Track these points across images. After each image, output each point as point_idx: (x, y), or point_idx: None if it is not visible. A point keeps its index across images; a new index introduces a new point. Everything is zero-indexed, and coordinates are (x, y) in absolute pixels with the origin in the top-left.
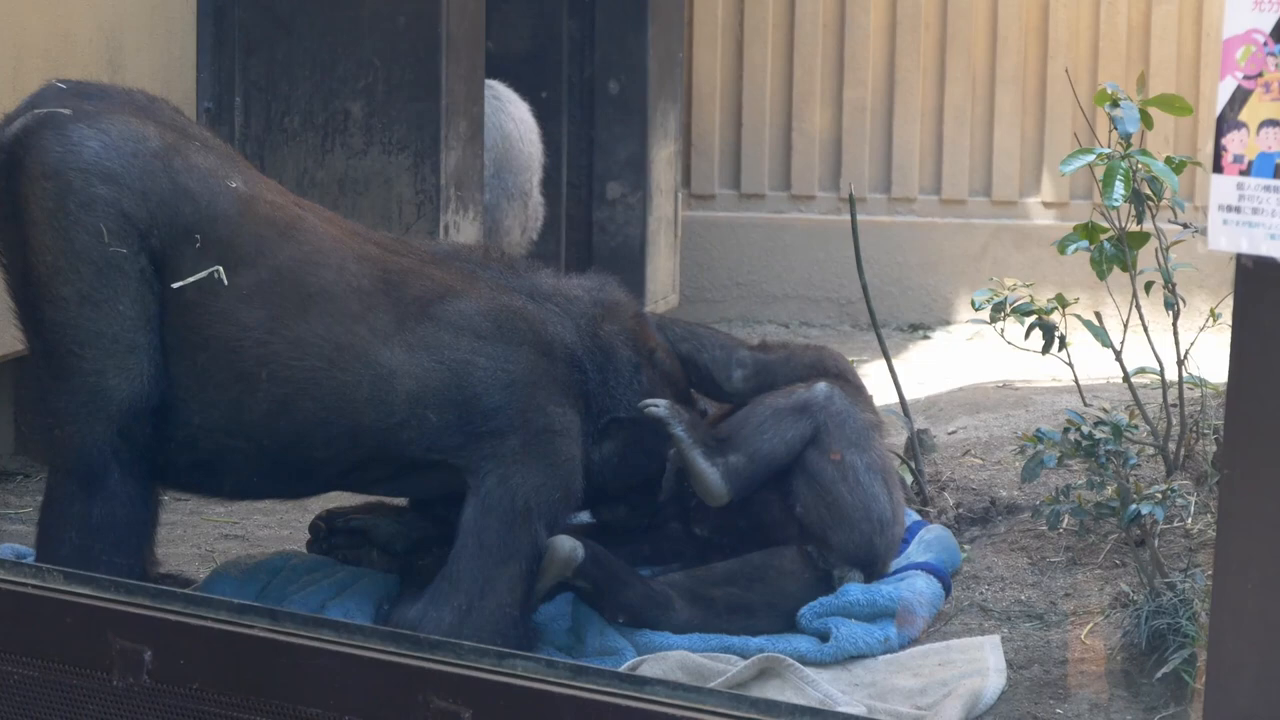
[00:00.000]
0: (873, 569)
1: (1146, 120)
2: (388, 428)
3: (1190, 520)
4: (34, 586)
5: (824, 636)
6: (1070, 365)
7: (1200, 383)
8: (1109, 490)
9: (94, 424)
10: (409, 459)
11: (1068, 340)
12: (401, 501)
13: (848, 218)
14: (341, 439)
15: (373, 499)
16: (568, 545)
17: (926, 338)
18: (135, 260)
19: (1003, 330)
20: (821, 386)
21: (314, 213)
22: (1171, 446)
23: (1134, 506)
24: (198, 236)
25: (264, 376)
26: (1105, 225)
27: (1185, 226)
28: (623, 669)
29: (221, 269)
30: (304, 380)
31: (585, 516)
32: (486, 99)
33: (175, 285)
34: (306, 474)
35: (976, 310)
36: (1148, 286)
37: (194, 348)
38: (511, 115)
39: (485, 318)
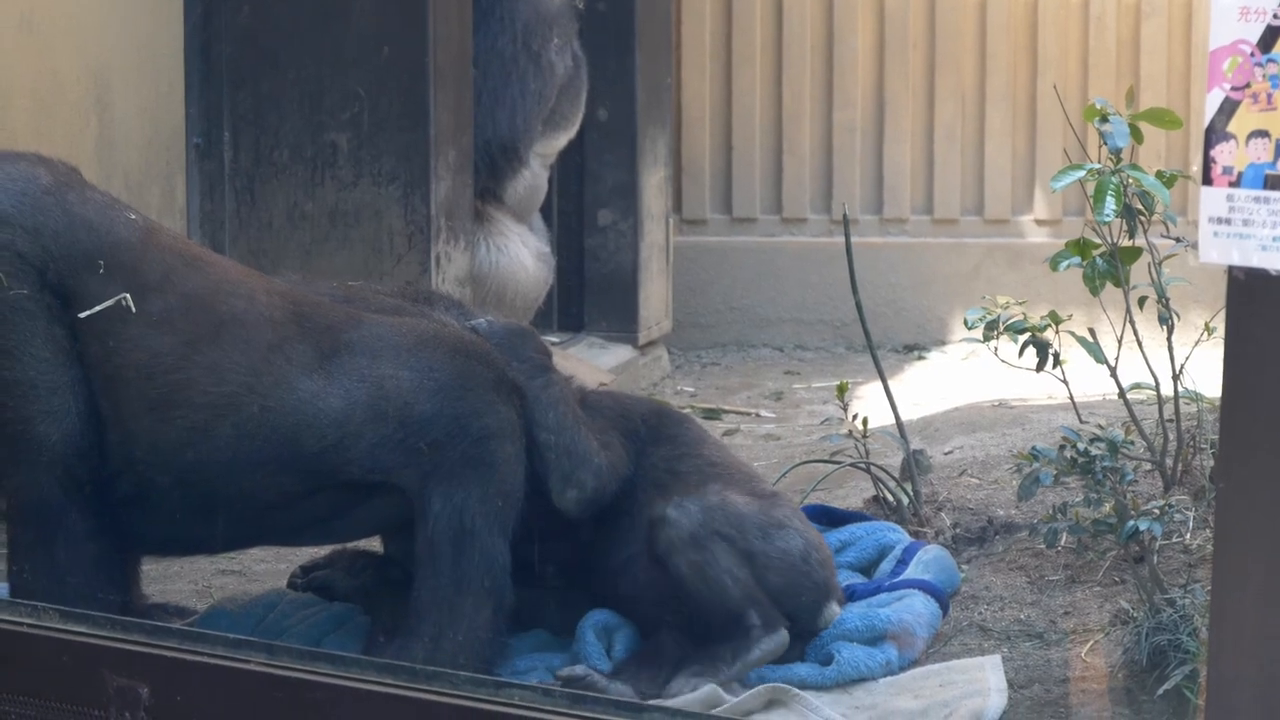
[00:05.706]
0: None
1: (1136, 135)
2: (318, 451)
3: (1189, 535)
4: (30, 625)
5: (825, 661)
6: (1065, 382)
7: (1196, 397)
8: (1106, 507)
9: (35, 472)
10: (348, 484)
11: (1062, 357)
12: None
13: (840, 240)
14: (267, 465)
15: (337, 546)
16: None
17: (922, 358)
18: (40, 298)
19: (996, 349)
20: None
21: (212, 252)
22: (1169, 462)
23: (1132, 523)
24: (101, 262)
25: (180, 403)
26: (1097, 241)
27: (1178, 240)
28: None
29: (129, 295)
30: (223, 405)
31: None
32: None
33: (82, 315)
34: (236, 508)
35: (970, 329)
36: (1141, 302)
37: (107, 379)
38: None
39: (402, 335)
